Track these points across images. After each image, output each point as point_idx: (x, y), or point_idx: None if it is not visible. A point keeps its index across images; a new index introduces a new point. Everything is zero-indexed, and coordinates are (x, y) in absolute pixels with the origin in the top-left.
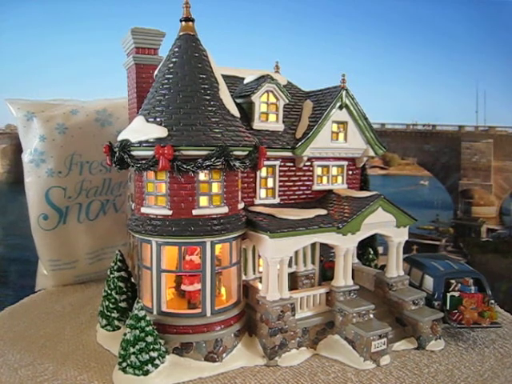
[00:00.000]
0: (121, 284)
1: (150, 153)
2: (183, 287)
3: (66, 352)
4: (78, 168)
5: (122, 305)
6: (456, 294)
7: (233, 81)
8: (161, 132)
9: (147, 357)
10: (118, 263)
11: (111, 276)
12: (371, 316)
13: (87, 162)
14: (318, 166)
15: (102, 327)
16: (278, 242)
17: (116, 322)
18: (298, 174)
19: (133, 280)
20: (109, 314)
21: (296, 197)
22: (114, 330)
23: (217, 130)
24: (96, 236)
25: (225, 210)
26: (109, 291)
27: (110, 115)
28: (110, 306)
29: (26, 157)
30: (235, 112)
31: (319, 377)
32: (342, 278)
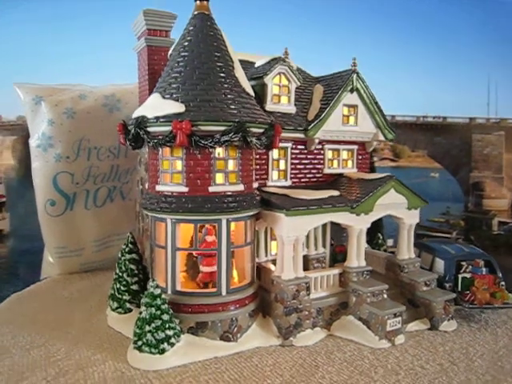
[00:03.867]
0: (132, 266)
1: (167, 128)
2: (202, 268)
3: (77, 334)
4: (86, 153)
5: (134, 287)
6: (467, 275)
7: (243, 65)
8: (178, 108)
9: (163, 335)
10: (130, 245)
11: (122, 258)
12: (385, 296)
13: (95, 147)
14: (329, 149)
15: (113, 310)
16: (294, 221)
17: (127, 305)
18: (309, 156)
19: (144, 263)
20: (120, 296)
21: (307, 180)
22: (125, 313)
23: (233, 107)
24: (103, 223)
25: (240, 187)
26: (120, 274)
27: (119, 101)
28: (122, 288)
29: (33, 141)
30: (250, 91)
31: (336, 355)
32: (355, 259)
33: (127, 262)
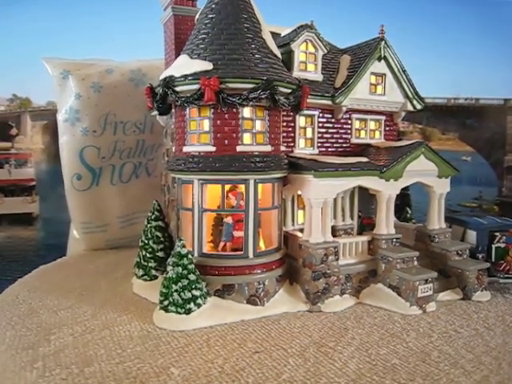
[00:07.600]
0: (158, 233)
1: (195, 86)
2: (235, 233)
3: (103, 299)
4: (112, 128)
5: (159, 254)
6: (502, 245)
7: None
8: (206, 66)
9: (190, 295)
10: (156, 213)
11: (148, 226)
12: (415, 263)
13: (121, 122)
14: (356, 119)
15: (139, 278)
16: (322, 183)
17: (153, 272)
18: (336, 126)
19: (170, 232)
20: (146, 263)
21: (334, 149)
22: (150, 280)
23: (261, 66)
24: (128, 200)
25: (268, 148)
26: (146, 241)
27: (145, 75)
28: (147, 255)
29: (61, 116)
30: (278, 53)
31: (365, 320)
32: (385, 226)
33: (153, 229)
